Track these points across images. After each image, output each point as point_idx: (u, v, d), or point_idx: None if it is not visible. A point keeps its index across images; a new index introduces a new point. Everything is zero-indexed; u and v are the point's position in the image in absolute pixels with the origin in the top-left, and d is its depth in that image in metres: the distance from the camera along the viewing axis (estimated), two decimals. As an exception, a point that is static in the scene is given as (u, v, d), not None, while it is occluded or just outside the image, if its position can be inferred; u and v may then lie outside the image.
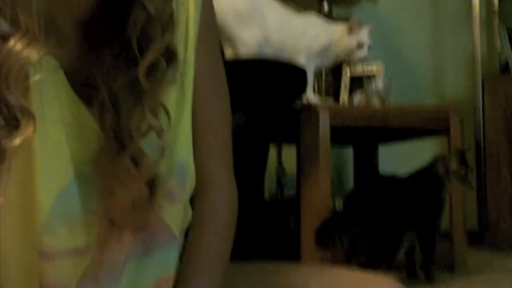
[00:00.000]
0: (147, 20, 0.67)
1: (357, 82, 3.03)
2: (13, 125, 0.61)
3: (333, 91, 3.13)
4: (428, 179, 2.36)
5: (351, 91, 3.05)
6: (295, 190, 2.87)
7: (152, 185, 0.71)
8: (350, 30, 2.57)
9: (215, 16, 0.85)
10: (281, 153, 3.20)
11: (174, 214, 0.78)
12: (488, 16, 3.85)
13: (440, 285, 2.35)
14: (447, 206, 2.44)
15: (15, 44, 0.60)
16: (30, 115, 0.62)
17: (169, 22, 0.69)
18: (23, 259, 0.70)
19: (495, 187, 3.43)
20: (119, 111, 0.68)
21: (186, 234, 0.83)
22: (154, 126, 0.69)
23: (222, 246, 0.83)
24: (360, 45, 2.58)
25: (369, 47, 2.63)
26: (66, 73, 0.69)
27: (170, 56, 0.70)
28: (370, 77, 2.85)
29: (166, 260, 0.80)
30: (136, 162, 0.69)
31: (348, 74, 3.08)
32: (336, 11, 3.44)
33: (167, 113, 0.72)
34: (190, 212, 0.84)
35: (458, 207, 2.56)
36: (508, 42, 3.71)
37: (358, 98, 2.92)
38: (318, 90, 3.01)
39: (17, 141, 0.61)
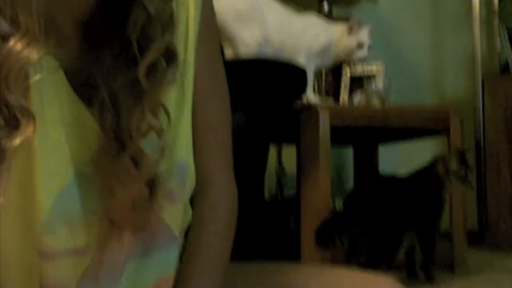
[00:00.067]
0: (147, 20, 0.67)
1: (357, 82, 3.03)
2: (13, 125, 0.61)
3: (333, 91, 3.13)
4: (428, 179, 2.36)
5: (351, 91, 3.05)
6: (295, 190, 2.87)
7: (152, 185, 0.71)
8: (350, 30, 2.57)
9: (215, 16, 0.85)
10: (281, 153, 3.20)
11: (174, 214, 0.78)
12: (488, 16, 3.85)
13: (440, 285, 2.35)
14: (447, 206, 2.44)
15: (15, 44, 0.60)
16: (30, 115, 0.62)
17: (169, 22, 0.69)
18: (23, 259, 0.70)
19: (495, 187, 3.43)
20: (119, 111, 0.68)
21: (186, 234, 0.83)
22: (154, 126, 0.69)
23: (222, 246, 0.83)
24: (360, 45, 2.58)
25: (369, 47, 2.63)
26: (66, 73, 0.69)
27: (170, 56, 0.70)
28: (370, 77, 2.85)
29: (166, 260, 0.80)
30: (136, 162, 0.69)
31: (348, 74, 3.08)
32: (336, 11, 3.45)
33: (167, 113, 0.72)
34: (190, 212, 0.84)
35: (458, 207, 2.56)
36: (508, 42, 3.71)
37: (358, 98, 2.92)
38: (318, 90, 3.01)
39: (17, 141, 0.61)
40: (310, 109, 2.36)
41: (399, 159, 3.37)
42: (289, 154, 3.10)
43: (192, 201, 0.83)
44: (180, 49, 0.75)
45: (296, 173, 2.73)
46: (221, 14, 2.25)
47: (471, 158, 2.77)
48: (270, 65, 2.09)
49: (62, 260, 0.70)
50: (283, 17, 2.50)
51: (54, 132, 0.68)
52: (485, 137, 3.53)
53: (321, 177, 2.30)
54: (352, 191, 2.64)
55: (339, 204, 3.06)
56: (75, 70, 0.70)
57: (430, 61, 3.94)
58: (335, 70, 3.11)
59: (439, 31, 3.93)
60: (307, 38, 2.53)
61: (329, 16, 3.24)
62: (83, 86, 0.70)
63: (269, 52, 2.40)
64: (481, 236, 3.46)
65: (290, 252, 2.32)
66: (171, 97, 0.75)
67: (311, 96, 2.54)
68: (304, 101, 2.47)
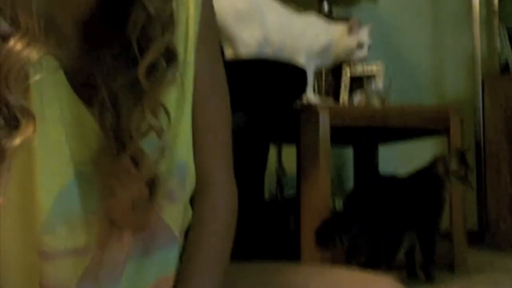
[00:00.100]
0: (147, 20, 0.67)
1: (357, 82, 3.03)
2: (13, 125, 0.61)
3: (333, 91, 3.13)
4: (428, 179, 2.36)
5: (351, 91, 3.05)
6: (295, 190, 2.87)
7: (152, 185, 0.71)
8: (350, 30, 2.57)
9: (215, 16, 0.85)
10: (281, 153, 3.20)
11: (174, 214, 0.78)
12: (488, 16, 3.85)
13: (440, 285, 2.35)
14: (447, 206, 2.44)
15: (15, 44, 0.60)
16: (30, 115, 0.62)
17: (169, 22, 0.70)
18: (23, 259, 0.70)
19: (495, 187, 3.44)
20: (119, 111, 0.68)
21: (186, 234, 0.83)
22: (154, 126, 0.69)
23: (222, 246, 0.83)
24: (360, 45, 2.58)
25: (369, 47, 2.63)
26: (66, 73, 0.69)
27: (170, 56, 0.70)
28: (370, 77, 2.85)
29: (166, 260, 0.80)
30: (136, 162, 0.69)
31: (348, 74, 3.08)
32: (336, 11, 3.45)
33: (167, 113, 0.72)
34: (190, 212, 0.84)
35: (458, 207, 2.56)
36: (508, 42, 3.72)
37: (358, 98, 2.92)
38: (318, 90, 3.01)
39: (17, 141, 0.61)
40: (310, 109, 2.36)
41: (399, 159, 3.37)
42: (289, 154, 3.10)
43: (192, 201, 0.84)
44: (180, 49, 0.75)
45: (296, 173, 2.73)
46: (221, 14, 2.25)
47: (471, 158, 2.77)
48: (270, 65, 2.09)
49: (62, 260, 0.70)
50: (283, 17, 2.50)
51: (54, 132, 0.68)
52: (485, 137, 3.53)
53: (321, 177, 2.30)
54: (352, 191, 2.64)
55: (339, 204, 3.06)
56: (75, 70, 0.70)
57: (430, 61, 3.94)
58: (335, 70, 3.11)
59: (439, 31, 3.94)
60: (307, 38, 2.53)
61: (329, 16, 3.24)
62: (83, 86, 0.70)
63: (269, 52, 2.40)
64: (481, 236, 3.46)
65: (290, 252, 2.32)
66: (171, 97, 0.75)
67: (311, 96, 2.54)
68: (304, 101, 2.47)
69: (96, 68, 0.70)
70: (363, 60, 2.72)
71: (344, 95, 3.07)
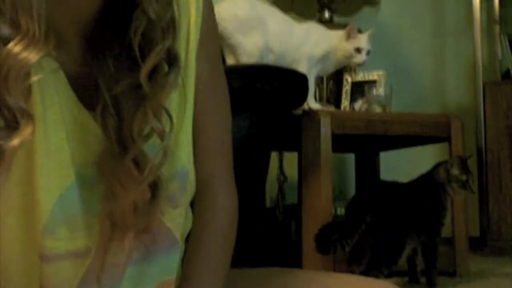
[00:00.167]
0: (148, 25, 0.68)
1: (358, 90, 3.03)
2: (13, 126, 0.62)
3: (334, 99, 3.14)
4: (430, 185, 2.36)
5: (353, 99, 3.06)
6: (296, 197, 2.87)
7: (154, 187, 0.71)
8: (348, 36, 2.59)
9: (216, 22, 0.86)
10: (282, 159, 3.20)
11: (175, 218, 0.78)
12: (489, 23, 3.86)
13: (442, 291, 2.35)
14: (449, 212, 2.44)
15: (14, 46, 0.61)
16: (29, 116, 0.62)
17: (170, 26, 0.70)
18: (24, 261, 0.71)
19: (496, 193, 3.44)
20: (121, 114, 0.69)
21: (187, 237, 0.84)
22: (157, 129, 0.70)
23: (222, 248, 0.84)
24: (358, 50, 2.59)
25: (368, 52, 2.63)
26: (68, 78, 0.70)
27: (172, 60, 0.71)
28: (372, 85, 2.85)
29: (168, 264, 0.80)
30: (138, 165, 0.69)
31: (350, 82, 3.09)
32: (337, 19, 3.45)
33: (169, 116, 0.72)
34: (190, 215, 0.84)
35: (460, 212, 2.56)
36: (509, 50, 3.73)
37: (359, 105, 2.93)
38: (319, 98, 3.02)
39: (15, 141, 0.61)
40: (311, 115, 2.36)
41: (401, 166, 3.37)
42: (291, 160, 3.10)
43: (192, 204, 0.84)
44: (181, 54, 0.76)
45: (297, 179, 2.74)
46: (222, 23, 2.26)
47: (473, 164, 2.77)
48: (271, 71, 2.10)
49: (62, 262, 0.70)
50: (284, 25, 2.51)
51: (55, 135, 0.68)
52: (486, 144, 3.53)
53: (322, 184, 2.30)
54: (354, 197, 2.64)
55: (340, 211, 3.06)
56: (78, 74, 0.71)
57: (431, 69, 3.95)
58: (337, 78, 3.12)
59: (440, 38, 3.94)
60: (308, 45, 2.54)
61: (330, 24, 3.24)
62: (86, 90, 0.71)
63: (270, 60, 2.41)
64: (483, 242, 3.46)
65: (292, 259, 2.32)
66: (173, 101, 0.76)
67: (312, 103, 2.55)
68: (306, 107, 2.48)
69: (98, 72, 0.70)
70: (361, 65, 2.73)
71: (345, 103, 3.08)
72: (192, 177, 0.80)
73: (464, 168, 2.35)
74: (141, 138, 0.69)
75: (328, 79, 3.11)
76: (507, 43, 3.75)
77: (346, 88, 3.05)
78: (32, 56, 0.61)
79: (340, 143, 2.52)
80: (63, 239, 0.70)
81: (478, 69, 3.61)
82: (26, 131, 0.62)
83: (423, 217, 2.29)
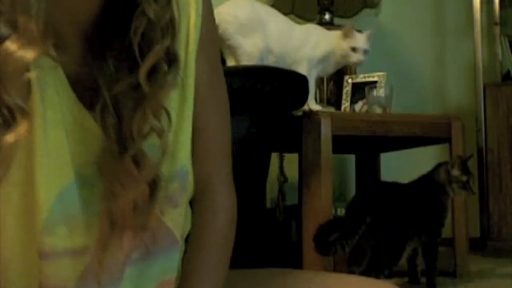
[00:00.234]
0: (148, 25, 0.68)
1: (359, 91, 3.04)
2: (9, 123, 0.62)
3: (335, 100, 3.14)
4: (430, 186, 2.36)
5: (353, 100, 3.06)
6: (297, 198, 2.87)
7: (153, 186, 0.72)
8: (345, 35, 2.60)
9: (215, 24, 0.87)
10: (282, 160, 3.21)
11: (175, 218, 0.79)
12: (490, 25, 3.87)
13: (442, 291, 2.35)
14: (449, 212, 2.44)
15: (11, 45, 0.61)
16: (24, 114, 0.63)
17: (169, 27, 0.71)
18: (23, 258, 0.71)
19: (497, 194, 3.45)
20: (121, 114, 0.69)
21: (186, 238, 0.84)
22: (156, 128, 0.70)
23: (221, 248, 0.84)
24: (354, 50, 2.60)
25: (366, 52, 2.64)
26: (68, 78, 0.70)
27: (171, 59, 0.72)
28: (372, 86, 2.86)
29: (168, 264, 0.80)
30: (137, 164, 0.70)
31: (350, 83, 3.09)
32: (337, 22, 3.46)
33: (168, 115, 0.73)
34: (190, 215, 0.85)
35: (460, 213, 2.56)
36: (509, 51, 3.73)
37: (359, 106, 2.93)
38: (319, 99, 3.02)
39: (10, 138, 0.62)
40: (312, 116, 2.36)
41: (401, 167, 3.37)
42: (291, 161, 3.11)
43: (192, 204, 0.84)
44: (181, 55, 0.76)
45: (297, 181, 2.74)
46: (223, 25, 2.26)
47: (473, 165, 2.77)
48: (272, 72, 2.10)
49: (61, 260, 0.71)
50: (284, 26, 2.52)
51: (55, 134, 0.69)
52: (487, 145, 3.54)
53: (323, 185, 2.30)
54: (354, 197, 2.64)
55: (341, 211, 3.06)
56: (78, 74, 0.71)
57: (431, 70, 3.95)
58: (337, 79, 3.12)
59: (440, 40, 3.95)
60: (308, 47, 2.55)
61: (331, 26, 3.25)
62: (85, 90, 0.71)
63: (270, 61, 2.42)
64: (483, 243, 3.46)
65: (292, 260, 2.32)
66: (172, 102, 0.76)
67: (312, 104, 2.56)
68: (306, 108, 2.48)
69: (98, 72, 0.71)
70: (358, 65, 2.74)
71: (345, 104, 3.08)
72: (191, 177, 0.80)
73: (465, 169, 2.35)
74: (140, 137, 0.69)
75: (329, 80, 3.12)
76: (507, 44, 3.75)
77: (347, 89, 3.05)
78: (28, 54, 0.62)
79: (341, 144, 2.52)
80: (62, 237, 0.70)
81: (479, 70, 3.61)
82: (21, 128, 0.62)
83: (423, 218, 2.30)
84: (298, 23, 2.73)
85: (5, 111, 0.62)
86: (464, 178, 2.34)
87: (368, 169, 3.31)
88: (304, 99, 2.24)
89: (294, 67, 2.47)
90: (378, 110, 2.68)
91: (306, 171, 2.39)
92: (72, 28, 0.72)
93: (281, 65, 2.42)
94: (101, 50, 0.72)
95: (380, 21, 3.70)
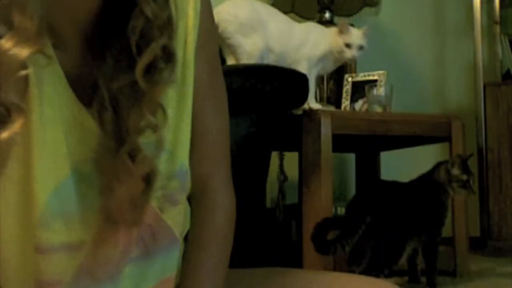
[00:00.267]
0: (146, 24, 0.69)
1: (359, 90, 3.03)
2: (3, 120, 0.63)
3: (335, 99, 3.14)
4: (430, 185, 2.36)
5: (353, 99, 3.06)
6: (297, 197, 2.87)
7: (148, 180, 0.72)
8: (340, 32, 2.60)
9: (214, 24, 0.87)
10: (282, 159, 3.20)
11: (175, 216, 0.79)
12: (490, 24, 3.87)
13: (442, 291, 2.35)
14: (449, 212, 2.44)
15: (5, 42, 0.61)
16: (19, 110, 0.63)
17: (166, 25, 0.71)
18: (20, 253, 0.71)
19: (497, 193, 3.45)
20: (118, 111, 0.70)
21: (185, 237, 0.84)
22: (151, 123, 0.70)
23: (220, 247, 0.84)
24: (348, 46, 2.60)
25: (361, 48, 2.63)
26: (67, 76, 0.70)
27: (168, 57, 0.72)
28: (372, 85, 2.85)
29: (168, 262, 0.81)
30: (133, 159, 0.70)
31: (350, 82, 3.09)
32: (337, 21, 3.45)
33: (164, 112, 0.73)
34: (189, 213, 0.85)
35: (461, 213, 2.56)
36: (509, 51, 3.74)
37: (359, 105, 2.93)
38: (319, 98, 3.02)
39: (4, 135, 0.62)
40: (312, 115, 2.36)
41: (401, 166, 3.37)
42: (291, 160, 3.10)
43: (191, 203, 0.85)
44: (179, 54, 0.77)
45: (298, 180, 2.74)
46: (223, 24, 2.26)
47: (473, 164, 2.77)
48: (272, 71, 2.10)
49: (57, 255, 0.71)
50: (284, 25, 2.52)
51: (52, 130, 0.69)
52: (487, 145, 3.54)
53: (323, 184, 2.30)
54: (354, 197, 2.64)
55: (341, 211, 3.06)
56: (77, 73, 0.72)
57: (432, 69, 3.95)
58: (337, 78, 3.12)
59: (440, 39, 3.95)
60: (308, 46, 2.55)
61: (331, 25, 3.24)
62: (84, 87, 0.71)
63: (271, 60, 2.42)
64: (484, 242, 3.46)
65: (292, 259, 2.32)
66: (171, 101, 0.77)
67: (312, 103, 2.55)
68: (306, 107, 2.48)
69: (97, 71, 0.71)
70: (352, 61, 2.73)
71: (345, 103, 3.08)
72: (188, 176, 0.80)
73: (465, 168, 2.35)
74: (136, 132, 0.70)
75: (329, 79, 3.12)
76: (508, 43, 3.76)
77: (347, 88, 3.05)
78: (23, 52, 0.62)
79: (341, 143, 2.52)
80: (57, 232, 0.70)
81: (479, 70, 3.61)
82: (15, 125, 0.63)
83: (423, 217, 2.29)
84: (298, 21, 2.72)
85: (0, 108, 0.62)
86: (464, 177, 2.34)
87: (368, 168, 3.31)
88: (304, 98, 2.23)
89: (294, 66, 2.47)
90: (378, 109, 2.68)
91: (306, 170, 2.39)
92: (72, 28, 0.72)
93: (281, 64, 2.42)
94: (101, 49, 0.72)
95: (380, 20, 3.70)
